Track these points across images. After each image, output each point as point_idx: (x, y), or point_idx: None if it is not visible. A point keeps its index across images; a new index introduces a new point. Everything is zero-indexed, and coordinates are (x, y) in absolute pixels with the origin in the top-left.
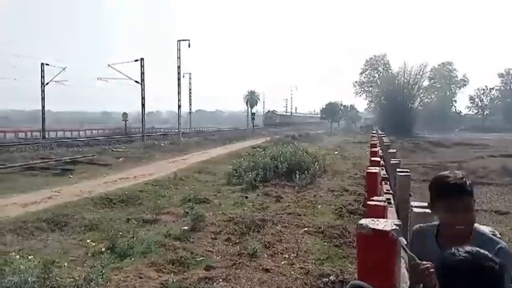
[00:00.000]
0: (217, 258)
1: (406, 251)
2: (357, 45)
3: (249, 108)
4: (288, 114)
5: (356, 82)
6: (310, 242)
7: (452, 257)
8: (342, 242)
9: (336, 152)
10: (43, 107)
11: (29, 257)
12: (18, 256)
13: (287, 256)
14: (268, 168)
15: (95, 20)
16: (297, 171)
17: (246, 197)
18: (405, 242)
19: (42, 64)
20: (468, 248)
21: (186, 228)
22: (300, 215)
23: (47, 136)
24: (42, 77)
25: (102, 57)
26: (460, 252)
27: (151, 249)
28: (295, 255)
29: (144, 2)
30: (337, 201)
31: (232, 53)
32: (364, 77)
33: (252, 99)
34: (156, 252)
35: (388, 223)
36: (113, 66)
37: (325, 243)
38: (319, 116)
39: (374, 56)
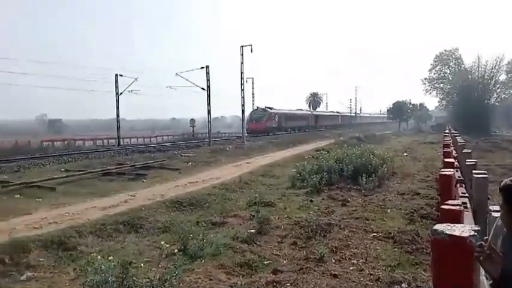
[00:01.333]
0: (284, 262)
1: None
2: (426, 40)
3: (312, 110)
4: (304, 112)
5: (425, 79)
6: (380, 247)
7: None
8: (413, 248)
9: (405, 154)
10: (118, 115)
11: (109, 258)
12: (99, 257)
13: (355, 262)
14: (333, 171)
15: (162, 31)
16: (363, 174)
17: (311, 201)
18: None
19: (116, 75)
20: None
21: (252, 231)
22: (367, 220)
23: (122, 143)
24: (117, 87)
25: (170, 66)
26: None
27: (220, 252)
28: (364, 261)
29: (207, 12)
30: (408, 205)
31: (294, 55)
32: (434, 73)
33: (314, 100)
34: (225, 255)
35: (465, 229)
36: (180, 75)
37: (396, 249)
38: (385, 115)
39: (444, 50)
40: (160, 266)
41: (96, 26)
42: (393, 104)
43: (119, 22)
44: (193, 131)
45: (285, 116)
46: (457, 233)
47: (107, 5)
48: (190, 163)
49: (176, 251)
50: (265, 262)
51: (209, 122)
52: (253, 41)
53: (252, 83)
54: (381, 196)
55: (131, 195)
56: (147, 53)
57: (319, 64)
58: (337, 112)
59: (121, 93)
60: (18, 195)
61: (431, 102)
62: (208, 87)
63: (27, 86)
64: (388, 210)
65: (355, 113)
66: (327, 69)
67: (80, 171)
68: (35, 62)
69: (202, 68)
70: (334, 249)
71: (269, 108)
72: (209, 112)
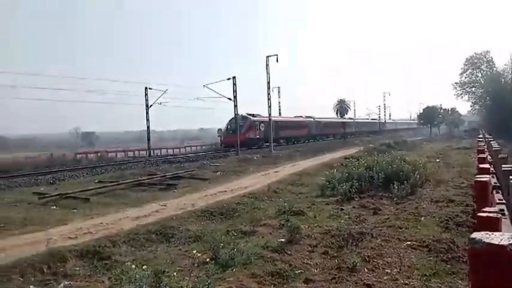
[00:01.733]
0: (316, 271)
1: None
2: (456, 42)
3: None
4: (303, 119)
5: (456, 83)
6: (414, 256)
7: None
8: (449, 256)
9: (438, 160)
10: (148, 127)
11: (143, 267)
12: (133, 266)
13: (389, 271)
14: (363, 179)
15: (189, 45)
16: (394, 182)
17: (342, 209)
18: None
19: (146, 88)
20: None
21: (283, 240)
22: (401, 228)
23: (152, 154)
24: (146, 100)
25: (198, 78)
26: None
27: (251, 261)
28: (398, 270)
29: (232, 22)
30: (443, 212)
31: (320, 62)
32: (465, 77)
33: (342, 108)
34: (255, 264)
35: (504, 237)
36: (208, 86)
37: (431, 258)
38: (414, 121)
39: (475, 53)
40: (192, 275)
41: (122, 40)
42: (423, 109)
43: (145, 36)
44: (221, 140)
45: (275, 125)
46: (495, 242)
47: (132, 21)
48: (219, 173)
49: (208, 260)
50: (297, 271)
51: (237, 131)
52: (280, 50)
53: (278, 92)
54: (413, 204)
55: (162, 205)
56: (175, 65)
57: (346, 70)
58: (350, 118)
59: (151, 106)
60: (54, 206)
61: (464, 106)
62: (235, 97)
63: (61, 100)
64: (422, 218)
65: (378, 119)
66: (354, 75)
67: (112, 182)
68: (69, 77)
69: (229, 79)
70: (367, 259)
71: (252, 115)
72: (236, 122)
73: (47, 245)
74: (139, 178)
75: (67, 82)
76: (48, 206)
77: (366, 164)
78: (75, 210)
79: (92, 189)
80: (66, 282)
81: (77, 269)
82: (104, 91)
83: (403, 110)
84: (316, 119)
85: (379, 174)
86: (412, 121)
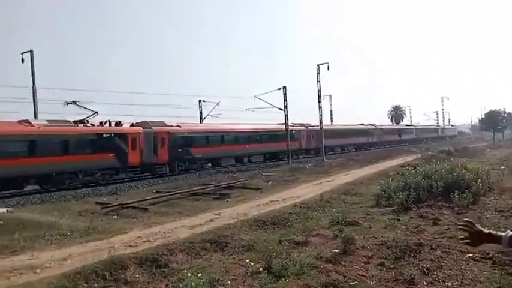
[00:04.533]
0: (372, 283)
1: None
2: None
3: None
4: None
5: None
6: (477, 269)
7: None
8: None
9: (503, 167)
10: None
11: (198, 275)
12: (189, 274)
13: (450, 284)
14: (421, 188)
15: (237, 57)
16: (455, 190)
17: (398, 220)
18: None
19: (199, 101)
20: None
21: (336, 251)
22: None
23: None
24: (200, 112)
25: (249, 89)
26: None
27: (305, 271)
28: (459, 283)
29: (281, 33)
30: (508, 223)
31: (372, 67)
32: None
33: (397, 114)
34: (309, 274)
35: None
36: (259, 97)
37: (496, 271)
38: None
39: None
40: (245, 284)
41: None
42: (485, 114)
43: (196, 50)
44: None
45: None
46: None
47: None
48: (270, 182)
49: (261, 269)
50: (351, 283)
51: (288, 141)
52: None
53: (330, 99)
54: (476, 213)
55: (216, 214)
56: (226, 76)
57: (401, 75)
58: (371, 125)
59: (204, 118)
60: (116, 216)
61: None
62: (286, 107)
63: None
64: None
65: (412, 125)
66: (410, 79)
67: (169, 192)
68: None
69: (279, 89)
70: (426, 271)
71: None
72: (287, 131)
73: (109, 253)
74: (194, 188)
75: (117, 96)
76: (109, 215)
77: (423, 173)
78: (134, 220)
79: (150, 199)
80: None
81: (137, 276)
82: (158, 104)
83: (463, 114)
84: (308, 127)
85: (439, 182)
86: (452, 126)
